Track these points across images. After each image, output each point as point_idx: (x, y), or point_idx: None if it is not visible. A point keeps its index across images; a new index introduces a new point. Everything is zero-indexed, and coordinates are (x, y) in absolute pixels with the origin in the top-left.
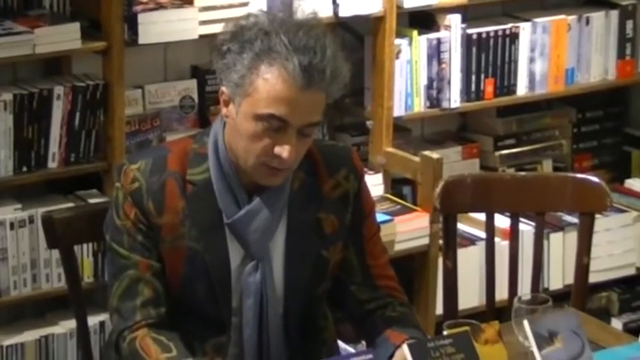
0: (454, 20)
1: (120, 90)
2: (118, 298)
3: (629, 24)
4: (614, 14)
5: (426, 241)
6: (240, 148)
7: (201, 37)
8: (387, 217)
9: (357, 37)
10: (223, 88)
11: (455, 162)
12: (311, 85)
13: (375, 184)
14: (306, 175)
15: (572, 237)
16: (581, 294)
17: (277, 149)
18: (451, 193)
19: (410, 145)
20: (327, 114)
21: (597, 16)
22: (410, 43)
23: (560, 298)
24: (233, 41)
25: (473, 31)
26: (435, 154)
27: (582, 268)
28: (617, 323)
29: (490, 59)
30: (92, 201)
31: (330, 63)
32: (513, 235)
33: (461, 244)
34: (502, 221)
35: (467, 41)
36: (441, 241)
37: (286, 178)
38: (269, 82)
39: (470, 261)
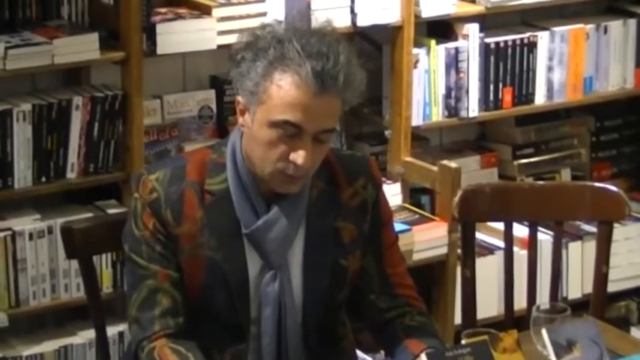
0: (472, 29)
1: (138, 100)
2: (137, 308)
3: None
4: (633, 23)
5: (444, 250)
6: (257, 156)
7: (220, 47)
8: (406, 227)
9: (376, 47)
10: (239, 97)
11: (473, 171)
12: (324, 90)
13: (393, 193)
14: (325, 184)
15: (591, 246)
16: (600, 303)
17: (292, 155)
18: (470, 202)
19: (428, 154)
20: (345, 123)
21: (615, 25)
22: (428, 53)
23: (579, 307)
24: (247, 50)
25: (491, 40)
26: (453, 164)
27: (601, 277)
28: (636, 332)
29: (508, 68)
30: (111, 211)
31: (343, 69)
32: (532, 244)
33: (479, 254)
34: (521, 230)
35: (485, 50)
36: (459, 251)
37: (303, 185)
38: (282, 89)
39: (488, 270)
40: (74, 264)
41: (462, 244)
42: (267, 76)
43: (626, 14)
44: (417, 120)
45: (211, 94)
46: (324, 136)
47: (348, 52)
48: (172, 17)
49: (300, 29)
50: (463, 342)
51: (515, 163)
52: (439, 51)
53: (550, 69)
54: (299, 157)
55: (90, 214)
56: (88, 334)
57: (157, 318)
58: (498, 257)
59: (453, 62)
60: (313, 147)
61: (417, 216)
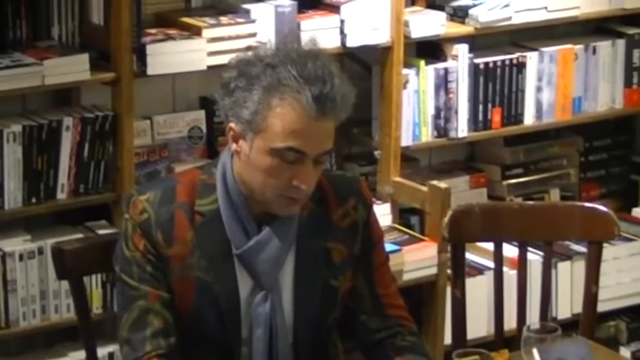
0: (461, 50)
1: (129, 121)
2: (128, 329)
3: (636, 53)
4: (621, 43)
5: (434, 270)
6: (257, 182)
7: (210, 68)
8: (396, 247)
9: (365, 67)
10: (232, 125)
11: (463, 191)
12: (324, 114)
13: (383, 213)
14: (316, 205)
15: (581, 266)
16: (590, 323)
17: (296, 182)
18: (459, 222)
19: (418, 174)
20: (335, 143)
21: (604, 45)
22: (417, 73)
23: (569, 327)
24: (240, 78)
25: (480, 60)
26: (442, 184)
27: (591, 296)
28: (625, 352)
29: (497, 88)
30: (101, 232)
31: (339, 90)
32: (522, 264)
33: (469, 274)
34: (510, 250)
35: (474, 71)
36: (449, 271)
37: (302, 206)
38: (282, 116)
39: (478, 290)
40: (64, 285)
41: (451, 264)
42: (264, 104)
43: (615, 35)
44: (406, 140)
45: (201, 114)
46: (322, 158)
47: (339, 70)
48: (162, 38)
49: (290, 53)
50: None
51: (505, 183)
52: (428, 71)
53: (539, 89)
54: (303, 181)
55: (80, 235)
56: (79, 355)
57: (148, 338)
58: (488, 277)
59: (443, 83)
60: (313, 168)
61: (406, 236)
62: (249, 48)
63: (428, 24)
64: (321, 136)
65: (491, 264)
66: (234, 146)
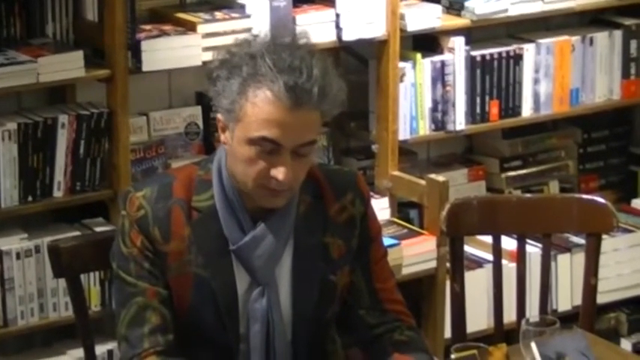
0: (458, 42)
1: (124, 117)
2: (126, 326)
3: (634, 44)
4: (618, 34)
5: (433, 264)
6: (239, 172)
7: (205, 63)
8: (394, 241)
9: (361, 61)
10: (219, 115)
11: (461, 184)
12: (299, 104)
13: (381, 207)
14: (312, 200)
15: (580, 258)
16: (590, 315)
17: (273, 171)
18: (458, 215)
19: (416, 168)
20: (332, 138)
21: (601, 37)
22: (414, 66)
23: (569, 319)
24: (222, 68)
25: (477, 53)
26: (441, 177)
27: (590, 288)
28: (626, 344)
29: (494, 81)
30: (98, 229)
31: (317, 81)
32: (520, 257)
33: (468, 267)
34: (509, 243)
35: (471, 63)
36: (448, 264)
37: (288, 198)
38: (257, 106)
39: (477, 283)
40: (62, 283)
41: (450, 257)
42: (242, 93)
43: (612, 25)
44: (404, 134)
45: (197, 110)
46: (303, 150)
47: (324, 63)
48: (157, 34)
49: (272, 44)
50: (452, 357)
51: (503, 175)
52: (425, 64)
53: (536, 81)
54: (279, 172)
55: (77, 233)
56: (77, 353)
57: (146, 335)
58: (487, 270)
59: (439, 75)
60: (294, 161)
61: (405, 230)
62: (237, 41)
63: (424, 17)
64: (297, 128)
65: (490, 257)
66: (222, 137)
